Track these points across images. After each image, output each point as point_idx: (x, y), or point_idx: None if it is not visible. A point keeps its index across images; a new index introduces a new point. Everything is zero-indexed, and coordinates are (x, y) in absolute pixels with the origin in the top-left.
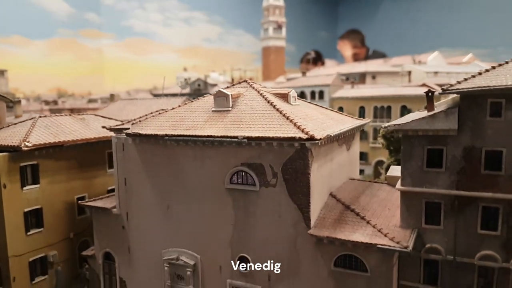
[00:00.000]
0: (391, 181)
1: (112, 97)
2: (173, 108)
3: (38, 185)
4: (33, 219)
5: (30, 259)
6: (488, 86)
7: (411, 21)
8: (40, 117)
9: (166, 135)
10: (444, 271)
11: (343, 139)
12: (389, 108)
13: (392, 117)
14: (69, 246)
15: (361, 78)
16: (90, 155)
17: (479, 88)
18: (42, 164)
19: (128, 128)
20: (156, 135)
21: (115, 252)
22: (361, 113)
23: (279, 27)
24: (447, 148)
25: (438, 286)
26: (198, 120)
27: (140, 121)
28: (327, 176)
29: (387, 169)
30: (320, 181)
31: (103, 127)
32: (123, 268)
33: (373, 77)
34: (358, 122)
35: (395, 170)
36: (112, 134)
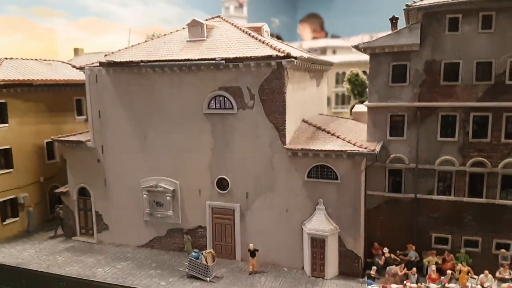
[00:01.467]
0: (356, 117)
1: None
2: (145, 41)
3: (6, 125)
4: (2, 159)
5: (0, 200)
6: (447, 1)
7: (368, 2)
8: (6, 58)
9: (142, 61)
10: (407, 178)
11: (314, 72)
12: None
13: None
14: (39, 189)
15: (322, 52)
16: (59, 100)
17: (439, 3)
18: (10, 104)
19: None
20: (131, 62)
21: (91, 186)
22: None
23: (240, 5)
24: (410, 63)
25: (402, 193)
26: (173, 49)
27: (113, 52)
28: (300, 103)
29: (351, 109)
30: (294, 104)
31: (73, 66)
32: (99, 201)
33: (334, 52)
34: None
35: (360, 107)
36: (80, 77)
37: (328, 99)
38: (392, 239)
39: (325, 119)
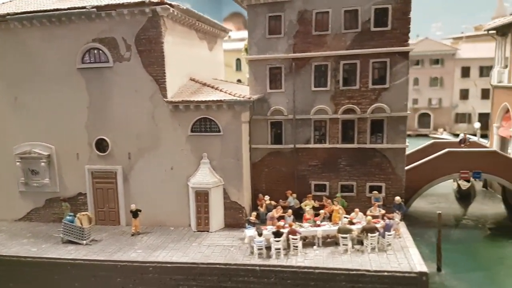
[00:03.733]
0: None
1: None
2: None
3: None
4: None
5: None
6: None
7: None
8: None
9: (8, 14)
10: (287, 130)
11: (204, 34)
12: None
13: None
14: None
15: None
16: None
17: None
18: None
19: None
20: None
21: None
22: (238, 66)
23: None
24: (284, 14)
25: (283, 144)
26: (45, 2)
27: None
28: (186, 60)
29: None
30: (178, 59)
31: None
32: None
33: None
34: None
35: None
36: None
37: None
38: (276, 190)
39: (218, 82)
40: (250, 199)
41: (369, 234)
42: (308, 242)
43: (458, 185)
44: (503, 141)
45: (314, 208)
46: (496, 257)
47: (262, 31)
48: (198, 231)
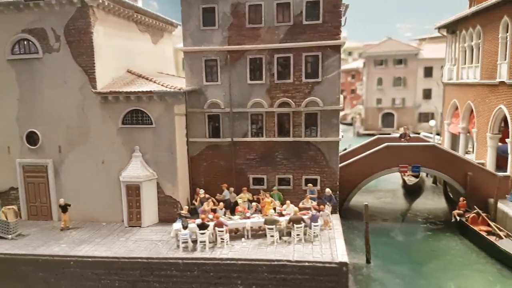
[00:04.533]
0: None
1: None
2: None
3: None
4: None
5: None
6: None
7: None
8: None
9: None
10: (224, 123)
11: (147, 26)
12: None
13: None
14: None
15: None
16: None
17: None
18: None
19: None
20: None
21: None
22: None
23: None
24: (218, 6)
25: (220, 138)
26: None
27: None
28: (123, 52)
29: None
30: (112, 50)
31: None
32: None
33: None
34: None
35: None
36: None
37: None
38: (215, 184)
39: (159, 75)
40: (188, 194)
41: (296, 225)
42: (240, 235)
43: (404, 181)
44: (454, 138)
45: (250, 201)
46: (429, 250)
47: (197, 23)
48: (130, 226)
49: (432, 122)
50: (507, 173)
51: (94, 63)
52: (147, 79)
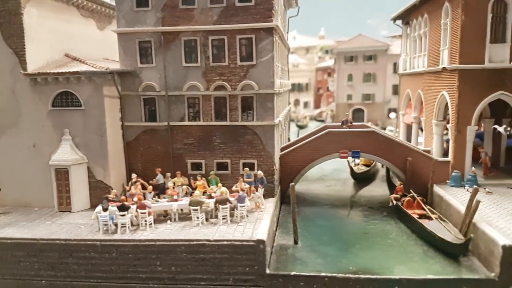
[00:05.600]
0: None
1: None
2: None
3: None
4: None
5: None
6: None
7: None
8: None
9: None
10: (160, 106)
11: (91, 12)
12: None
13: None
14: None
15: None
16: None
17: None
18: None
19: None
20: None
21: None
22: None
23: None
24: None
25: (157, 122)
26: None
27: None
28: (60, 35)
29: None
30: (47, 33)
31: None
32: None
33: None
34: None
35: None
36: None
37: None
38: (152, 170)
39: (105, 60)
40: (124, 179)
41: (221, 206)
42: (169, 218)
43: (351, 168)
44: (409, 128)
45: (186, 185)
46: (362, 232)
47: (130, 4)
48: (60, 211)
49: (392, 115)
50: (447, 158)
51: (24, 45)
52: (80, 61)
